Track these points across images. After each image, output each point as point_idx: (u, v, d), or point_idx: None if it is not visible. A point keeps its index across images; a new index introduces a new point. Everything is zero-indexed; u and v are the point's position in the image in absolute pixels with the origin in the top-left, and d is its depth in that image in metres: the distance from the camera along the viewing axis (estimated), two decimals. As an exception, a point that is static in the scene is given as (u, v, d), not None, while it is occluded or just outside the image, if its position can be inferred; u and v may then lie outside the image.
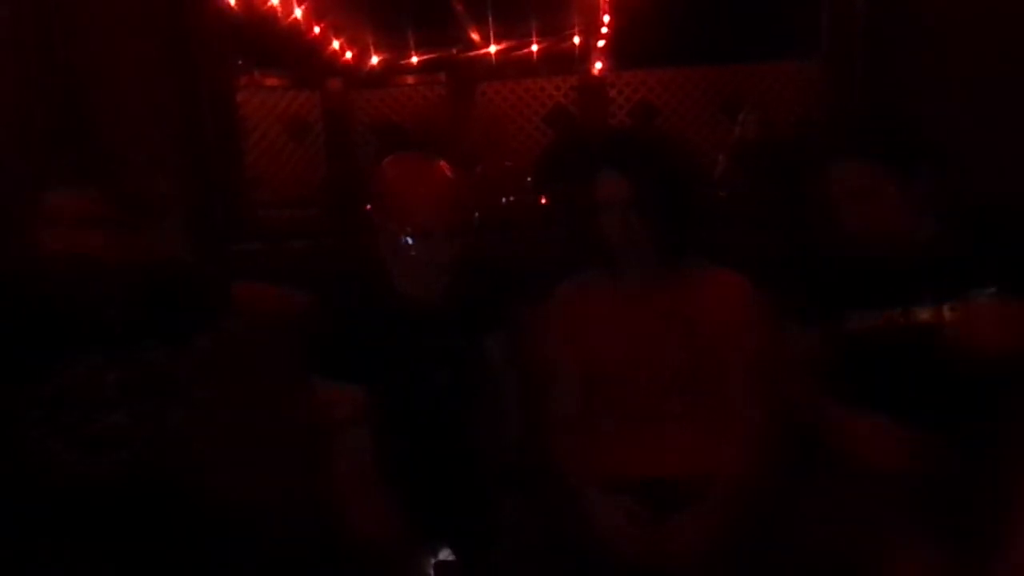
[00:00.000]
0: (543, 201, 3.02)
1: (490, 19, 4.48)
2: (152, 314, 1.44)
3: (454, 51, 4.55)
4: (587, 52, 4.65)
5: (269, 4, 3.90)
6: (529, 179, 3.52)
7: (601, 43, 4.66)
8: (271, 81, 4.46)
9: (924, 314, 1.36)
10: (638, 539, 1.33)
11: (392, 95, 4.94)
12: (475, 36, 4.56)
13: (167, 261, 1.46)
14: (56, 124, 2.00)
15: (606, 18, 4.55)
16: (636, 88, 4.86)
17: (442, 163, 1.50)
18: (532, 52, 4.69)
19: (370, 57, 4.67)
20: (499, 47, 4.61)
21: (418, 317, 1.51)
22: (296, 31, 4.23)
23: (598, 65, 4.64)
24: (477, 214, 1.84)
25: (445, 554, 1.45)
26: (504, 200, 3.03)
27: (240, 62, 3.65)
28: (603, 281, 1.57)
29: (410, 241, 1.43)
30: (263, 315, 1.65)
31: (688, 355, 1.48)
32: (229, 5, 3.20)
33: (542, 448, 1.48)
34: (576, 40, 4.63)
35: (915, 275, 1.37)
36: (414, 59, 4.72)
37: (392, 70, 4.81)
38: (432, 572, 1.37)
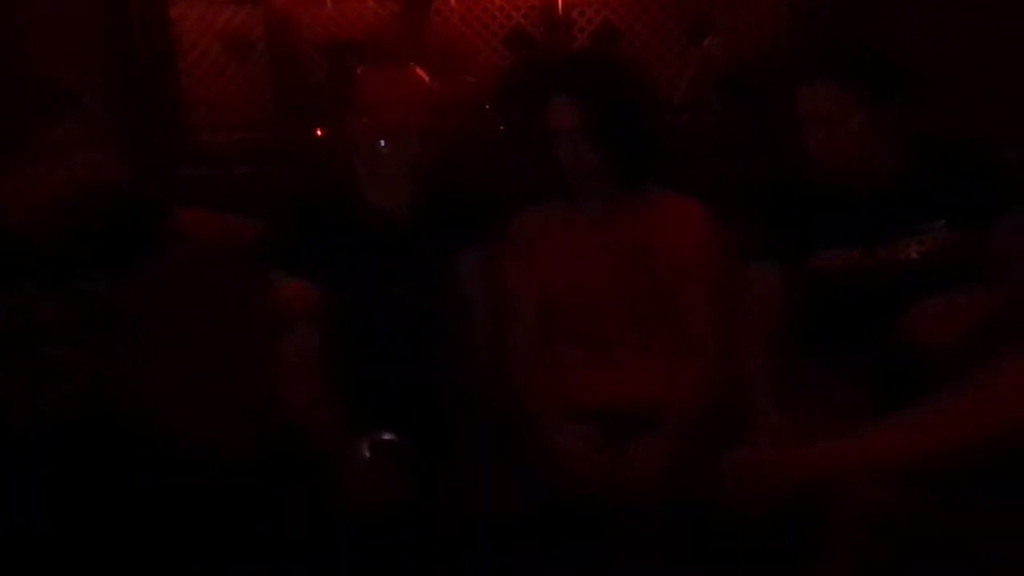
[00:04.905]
0: (502, 128, 2.95)
1: (445, -70, 4.23)
2: (89, 243, 1.37)
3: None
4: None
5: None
6: (488, 106, 3.43)
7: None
8: (209, -7, 4.17)
9: (883, 252, 1.35)
10: (596, 467, 1.35)
11: (341, 11, 4.67)
12: (429, -52, 4.30)
13: (103, 186, 1.38)
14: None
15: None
16: (598, 9, 4.71)
17: (416, 68, 1.51)
18: (490, -34, 4.47)
19: (316, -32, 4.39)
20: (455, -40, 4.38)
21: (384, 232, 1.49)
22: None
23: (559, -18, 4.46)
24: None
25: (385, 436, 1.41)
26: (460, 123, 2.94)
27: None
28: (561, 211, 1.55)
29: (383, 144, 1.44)
30: (211, 243, 1.60)
31: (645, 284, 1.48)
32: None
33: (503, 375, 1.48)
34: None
35: (877, 209, 1.36)
36: (364, -29, 4.46)
37: (341, -16, 4.54)
38: (368, 451, 1.35)
